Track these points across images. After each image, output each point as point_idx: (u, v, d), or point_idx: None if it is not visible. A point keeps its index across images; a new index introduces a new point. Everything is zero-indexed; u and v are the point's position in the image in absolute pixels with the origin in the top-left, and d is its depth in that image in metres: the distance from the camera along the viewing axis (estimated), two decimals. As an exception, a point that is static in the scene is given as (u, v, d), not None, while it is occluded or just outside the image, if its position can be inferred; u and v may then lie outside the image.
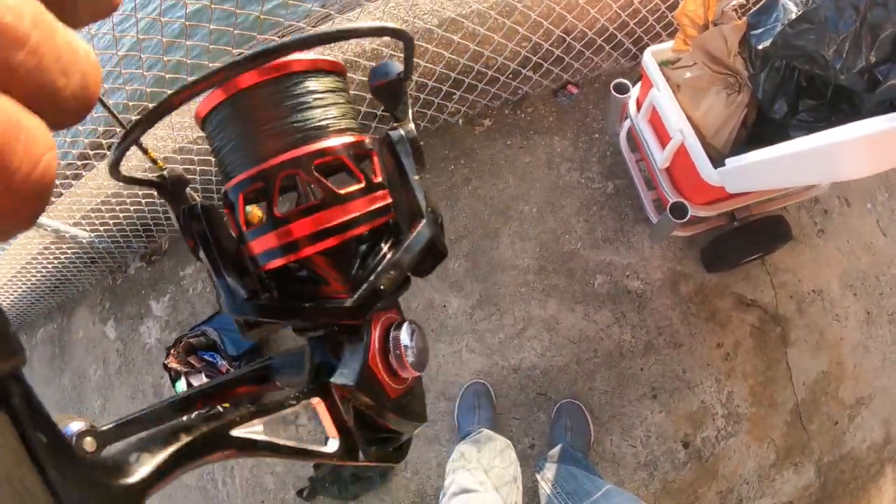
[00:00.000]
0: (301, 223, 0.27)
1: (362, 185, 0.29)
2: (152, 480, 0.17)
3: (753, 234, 1.41)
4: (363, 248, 0.31)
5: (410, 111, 0.33)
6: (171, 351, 1.90)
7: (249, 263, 0.29)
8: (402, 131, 0.31)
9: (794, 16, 1.03)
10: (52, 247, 1.99)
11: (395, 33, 0.27)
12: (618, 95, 1.37)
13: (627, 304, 1.57)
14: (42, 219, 1.84)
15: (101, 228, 2.00)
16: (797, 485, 1.48)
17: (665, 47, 1.25)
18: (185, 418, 0.21)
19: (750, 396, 1.51)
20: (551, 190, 1.69)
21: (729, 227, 1.44)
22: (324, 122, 0.28)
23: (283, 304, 0.28)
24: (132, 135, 0.26)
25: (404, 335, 0.31)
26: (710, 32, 1.12)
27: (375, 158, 0.31)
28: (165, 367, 1.89)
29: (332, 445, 0.26)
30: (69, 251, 2.05)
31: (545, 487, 1.24)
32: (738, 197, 1.27)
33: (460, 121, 1.80)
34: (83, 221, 1.96)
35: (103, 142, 1.87)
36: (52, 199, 1.98)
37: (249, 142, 0.27)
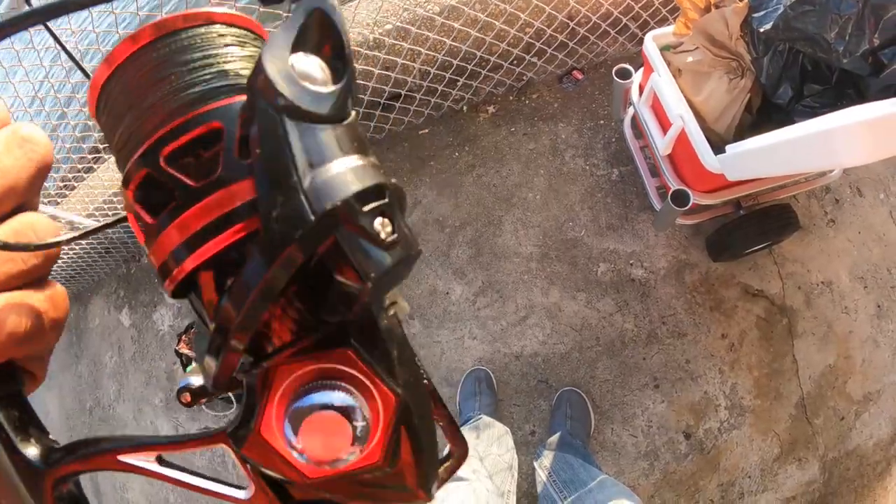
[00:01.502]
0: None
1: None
2: (59, 473, 0.21)
3: (759, 223, 1.38)
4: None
5: None
6: (183, 337, 1.95)
7: None
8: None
9: (795, -5, 1.00)
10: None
11: None
12: (620, 81, 1.34)
13: (631, 292, 1.56)
14: (57, 211, 1.90)
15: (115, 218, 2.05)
16: (800, 480, 1.46)
17: (667, 31, 1.22)
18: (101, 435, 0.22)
19: (754, 388, 1.49)
20: (555, 177, 1.68)
21: (734, 215, 1.41)
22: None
23: None
24: None
25: (301, 406, 0.18)
26: (711, 15, 1.09)
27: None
28: (177, 352, 1.95)
29: (245, 494, 0.21)
30: (84, 242, 2.10)
31: (542, 475, 1.25)
32: (742, 185, 1.24)
33: (464, 108, 1.80)
34: (97, 213, 2.01)
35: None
36: (66, 192, 2.04)
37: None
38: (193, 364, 1.90)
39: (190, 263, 0.18)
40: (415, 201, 1.78)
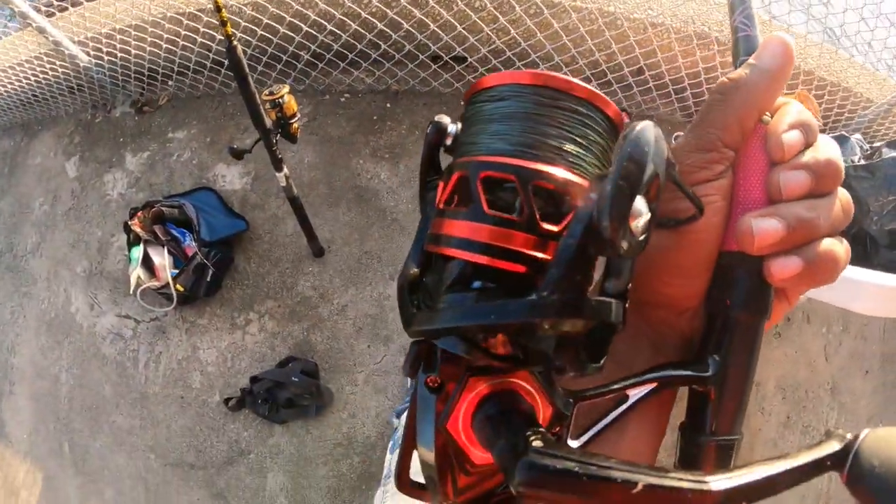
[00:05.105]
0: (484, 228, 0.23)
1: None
2: None
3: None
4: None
5: None
6: (138, 213, 1.78)
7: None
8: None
9: (857, 157, 1.13)
10: (45, 58, 1.80)
11: None
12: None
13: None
14: (47, 26, 1.66)
15: (106, 58, 1.83)
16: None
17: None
18: None
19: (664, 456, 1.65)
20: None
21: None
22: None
23: None
24: None
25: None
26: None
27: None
28: (127, 227, 1.78)
29: None
30: (60, 69, 1.86)
31: None
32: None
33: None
34: (89, 42, 1.78)
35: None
36: (67, 6, 1.77)
37: (521, 133, 0.24)
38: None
39: None
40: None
